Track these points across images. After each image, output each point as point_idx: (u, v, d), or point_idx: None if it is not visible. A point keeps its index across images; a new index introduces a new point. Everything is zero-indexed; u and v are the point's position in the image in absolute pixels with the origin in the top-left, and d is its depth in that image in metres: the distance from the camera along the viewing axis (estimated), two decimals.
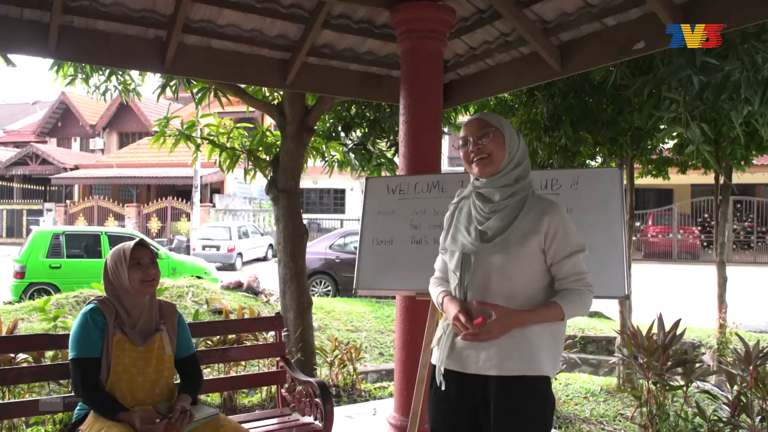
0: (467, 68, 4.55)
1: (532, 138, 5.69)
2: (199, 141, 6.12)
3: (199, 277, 11.28)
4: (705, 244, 21.19)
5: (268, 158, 6.09)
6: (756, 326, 9.84)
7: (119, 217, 25.91)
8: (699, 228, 21.75)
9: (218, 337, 4.76)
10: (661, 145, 6.58)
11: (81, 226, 19.87)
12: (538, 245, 2.03)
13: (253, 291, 10.30)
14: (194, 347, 2.86)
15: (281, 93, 5.73)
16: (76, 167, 29.32)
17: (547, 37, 3.79)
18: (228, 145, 6.16)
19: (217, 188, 28.61)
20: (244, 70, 4.19)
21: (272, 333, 4.12)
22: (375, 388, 5.75)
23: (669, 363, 4.55)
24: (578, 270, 2.06)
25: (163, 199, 26.04)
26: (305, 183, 29.90)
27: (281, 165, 5.60)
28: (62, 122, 35.37)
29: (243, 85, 5.93)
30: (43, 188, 29.45)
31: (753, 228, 21.32)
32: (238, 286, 10.36)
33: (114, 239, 11.38)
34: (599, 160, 7.36)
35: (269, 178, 5.78)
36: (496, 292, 2.03)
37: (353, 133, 7.44)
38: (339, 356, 5.73)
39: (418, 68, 3.74)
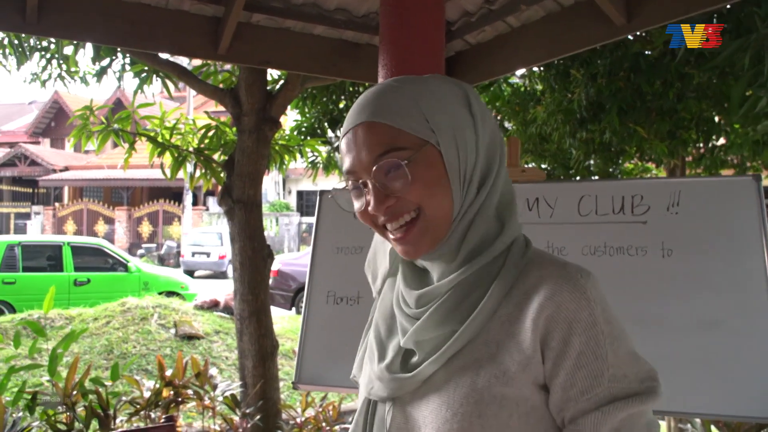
0: (481, 32, 3.23)
1: (563, 133, 4.37)
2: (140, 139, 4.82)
3: (173, 293, 10.01)
4: None
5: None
6: None
7: (110, 221, 24.67)
8: None
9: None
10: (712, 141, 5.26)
11: (39, 236, 18.58)
12: (529, 378, 0.83)
13: (231, 311, 9.00)
14: None
15: (237, 75, 4.44)
16: (66, 168, 28.12)
17: None
18: (176, 143, 4.85)
19: (212, 190, 27.35)
20: (155, 33, 2.86)
21: None
22: None
23: None
24: None
25: (155, 201, 24.76)
26: (305, 185, 28.75)
27: (236, 168, 4.30)
28: (56, 122, 34.30)
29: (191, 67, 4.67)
30: (31, 190, 28.29)
31: None
32: (213, 306, 9.06)
33: (77, 250, 10.12)
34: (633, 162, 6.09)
35: (222, 185, 4.48)
36: None
37: (341, 130, 6.27)
38: (312, 416, 4.42)
39: (405, 25, 2.42)
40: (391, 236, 0.90)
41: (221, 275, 18.24)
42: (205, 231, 19.91)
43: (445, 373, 0.85)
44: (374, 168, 0.86)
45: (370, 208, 0.88)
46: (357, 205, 0.91)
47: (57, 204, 26.81)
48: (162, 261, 20.28)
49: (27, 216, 26.04)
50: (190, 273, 17.18)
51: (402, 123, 0.86)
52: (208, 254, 18.49)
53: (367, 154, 0.87)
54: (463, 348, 0.85)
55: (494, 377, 0.82)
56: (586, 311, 0.81)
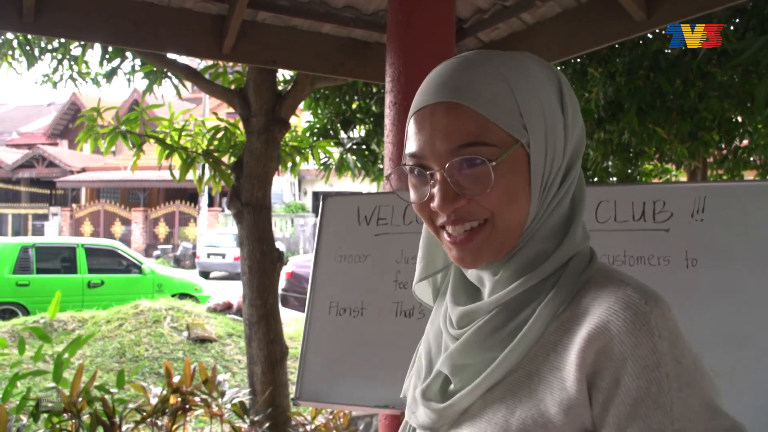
0: (494, 30, 3.12)
1: None
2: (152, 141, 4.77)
3: (186, 295, 9.99)
4: None
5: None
6: None
7: (126, 222, 24.82)
8: None
9: None
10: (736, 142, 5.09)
11: (53, 238, 18.70)
12: (573, 423, 0.67)
13: None
14: None
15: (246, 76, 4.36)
16: (83, 170, 28.34)
17: None
18: (186, 145, 4.79)
19: (227, 191, 27.41)
20: (157, 32, 2.79)
21: None
22: None
23: None
24: None
25: (171, 203, 24.87)
26: (320, 186, 28.73)
27: (245, 170, 4.22)
28: (73, 124, 34.59)
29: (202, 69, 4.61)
30: (49, 192, 28.55)
31: None
32: (226, 308, 9.03)
33: (91, 252, 10.12)
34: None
35: (231, 187, 4.41)
36: None
37: (354, 131, 6.22)
38: (323, 423, 4.33)
39: (413, 22, 2.32)
40: (448, 238, 0.75)
41: (236, 276, 18.20)
42: (220, 232, 19.93)
43: (481, 406, 0.73)
44: (451, 161, 0.71)
45: (433, 204, 0.73)
46: (416, 195, 0.76)
47: (74, 205, 27.05)
48: (178, 262, 20.34)
49: (45, 217, 26.28)
50: (205, 274, 17.22)
51: (493, 113, 0.70)
52: (223, 255, 18.48)
53: (443, 142, 0.71)
54: (503, 379, 0.72)
55: (531, 418, 0.68)
56: (648, 347, 0.64)
